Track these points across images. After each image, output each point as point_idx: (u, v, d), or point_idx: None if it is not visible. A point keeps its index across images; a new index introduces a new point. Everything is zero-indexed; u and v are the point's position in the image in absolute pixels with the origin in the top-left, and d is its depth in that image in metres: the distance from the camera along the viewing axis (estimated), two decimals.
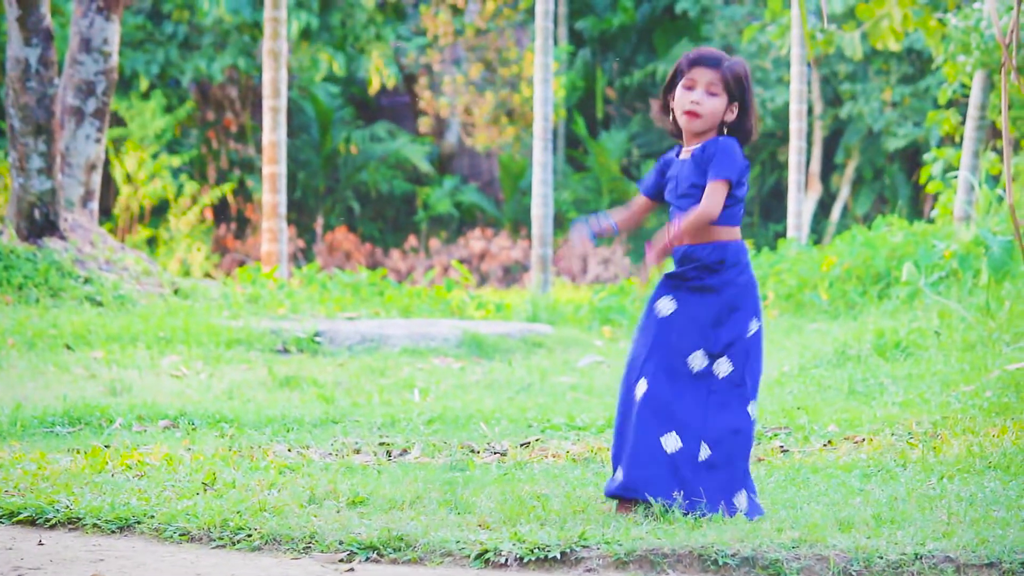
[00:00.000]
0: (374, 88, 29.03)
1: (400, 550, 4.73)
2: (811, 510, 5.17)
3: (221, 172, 28.79)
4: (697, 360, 5.11)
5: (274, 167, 17.15)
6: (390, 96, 31.05)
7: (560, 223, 29.46)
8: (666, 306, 5.16)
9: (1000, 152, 16.61)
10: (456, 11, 29.97)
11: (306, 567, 4.65)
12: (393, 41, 29.23)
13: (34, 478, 5.86)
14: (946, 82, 16.98)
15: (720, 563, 4.56)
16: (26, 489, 5.63)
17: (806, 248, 16.84)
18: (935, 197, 23.26)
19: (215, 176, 28.74)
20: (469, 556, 4.66)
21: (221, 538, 4.97)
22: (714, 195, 5.09)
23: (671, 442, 5.04)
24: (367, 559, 4.73)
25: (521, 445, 7.14)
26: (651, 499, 5.00)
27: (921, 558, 4.52)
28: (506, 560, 4.65)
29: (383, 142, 29.99)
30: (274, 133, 17.16)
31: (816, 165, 29.35)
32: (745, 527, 4.78)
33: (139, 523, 5.16)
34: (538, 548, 4.65)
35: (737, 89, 5.19)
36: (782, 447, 6.96)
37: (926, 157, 17.54)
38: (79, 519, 5.25)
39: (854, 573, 4.51)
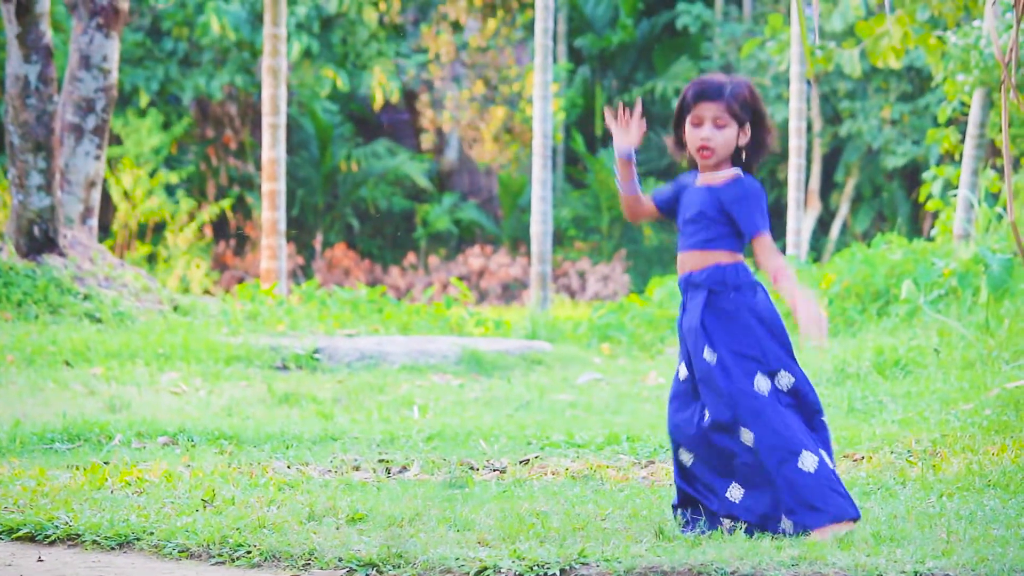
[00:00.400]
0: (378, 104, 29.06)
1: (399, 567, 4.73)
2: None
3: (220, 189, 28.80)
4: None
5: (273, 184, 17.15)
6: (390, 113, 31.08)
7: (559, 240, 29.47)
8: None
9: (999, 170, 16.63)
10: (457, 28, 30.02)
11: None
12: (392, 59, 29.26)
13: (33, 494, 5.86)
14: (946, 100, 16.99)
15: None
16: (25, 505, 5.63)
17: (805, 265, 16.84)
18: (934, 215, 23.27)
19: (214, 193, 28.76)
20: (468, 573, 4.65)
21: (220, 555, 4.96)
22: (767, 250, 5.11)
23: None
24: None
25: (520, 462, 7.14)
26: None
27: None
28: None
29: (382, 159, 30.01)
30: (273, 150, 17.17)
31: (815, 182, 29.37)
32: (745, 544, 4.78)
33: (138, 540, 5.16)
34: (537, 565, 4.64)
35: (744, 113, 5.18)
36: None
37: (925, 175, 17.56)
38: (78, 535, 5.25)
39: None
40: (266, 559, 4.89)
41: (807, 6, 22.20)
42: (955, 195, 16.24)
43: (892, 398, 9.27)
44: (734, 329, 5.10)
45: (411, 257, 29.44)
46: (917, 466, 6.73)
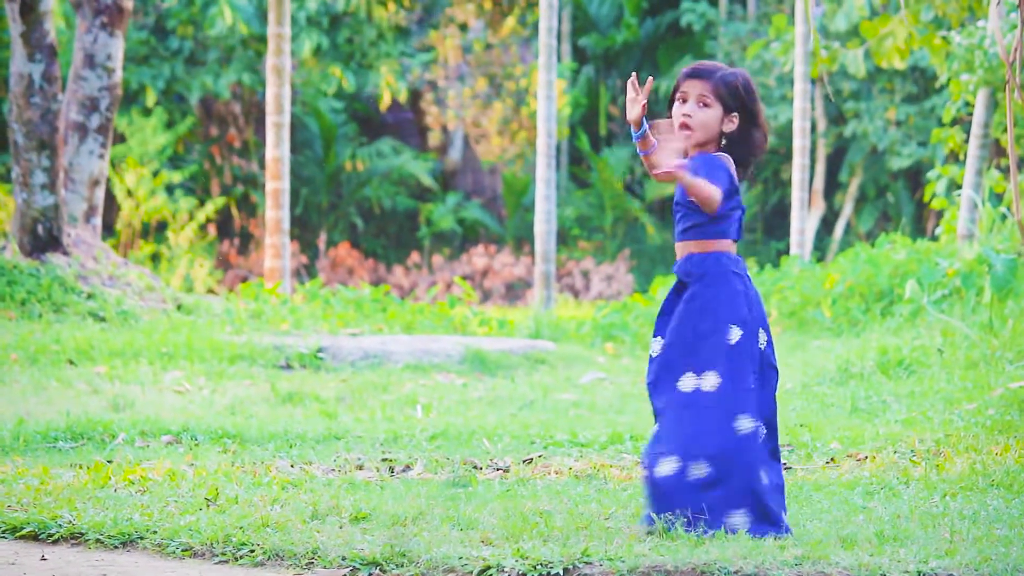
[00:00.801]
0: (385, 103, 29.07)
1: (403, 566, 4.73)
2: (814, 527, 5.17)
3: (225, 188, 28.82)
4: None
5: (277, 183, 17.15)
6: (394, 112, 31.09)
7: (563, 239, 29.47)
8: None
9: (1004, 170, 16.61)
10: (463, 28, 30.04)
11: None
12: (397, 58, 29.28)
13: (37, 493, 5.86)
14: (950, 100, 16.98)
15: None
16: (29, 504, 5.63)
17: (809, 265, 16.84)
18: (939, 215, 23.27)
19: (219, 192, 28.78)
20: (472, 572, 4.65)
21: (224, 553, 4.97)
22: (706, 187, 5.01)
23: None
24: (370, 575, 4.73)
25: (524, 461, 7.14)
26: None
27: None
28: None
29: (386, 158, 30.01)
30: (277, 149, 17.16)
31: (819, 182, 29.35)
32: (748, 544, 4.78)
33: (142, 538, 5.16)
34: (541, 564, 4.64)
35: (733, 99, 5.14)
36: (785, 464, 6.95)
37: (930, 175, 17.54)
38: (82, 534, 5.25)
39: None
40: (269, 558, 4.89)
41: (815, 6, 22.20)
42: (959, 195, 16.24)
43: (896, 398, 9.27)
44: (684, 320, 5.11)
45: (415, 256, 29.45)
46: (921, 466, 6.73)
